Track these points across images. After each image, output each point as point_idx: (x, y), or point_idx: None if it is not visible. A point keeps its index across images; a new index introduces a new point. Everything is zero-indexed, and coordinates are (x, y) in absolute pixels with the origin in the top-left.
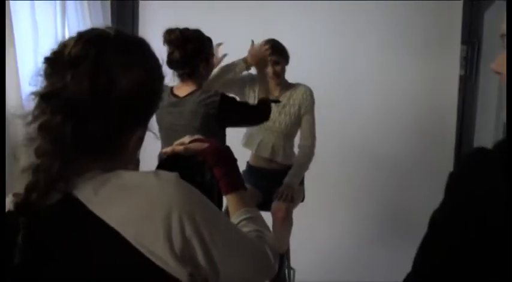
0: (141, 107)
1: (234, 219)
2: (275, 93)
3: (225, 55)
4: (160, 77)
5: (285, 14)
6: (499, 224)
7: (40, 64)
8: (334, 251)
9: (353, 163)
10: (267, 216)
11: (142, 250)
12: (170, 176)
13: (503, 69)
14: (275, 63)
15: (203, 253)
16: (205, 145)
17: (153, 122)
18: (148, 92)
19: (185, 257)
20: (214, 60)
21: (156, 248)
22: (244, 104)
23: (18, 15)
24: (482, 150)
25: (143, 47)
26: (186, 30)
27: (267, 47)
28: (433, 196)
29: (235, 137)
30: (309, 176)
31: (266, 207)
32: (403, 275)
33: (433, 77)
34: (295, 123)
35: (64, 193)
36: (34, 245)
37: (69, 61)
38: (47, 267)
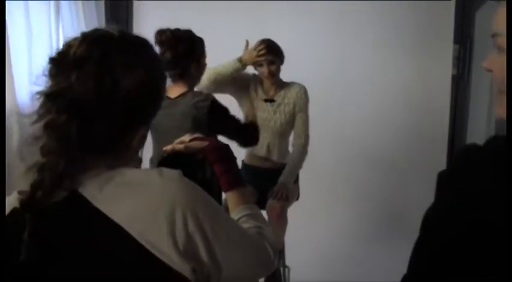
0: (144, 106)
1: (234, 215)
2: (270, 92)
3: None
4: (163, 76)
5: (281, 14)
6: (491, 221)
7: (33, 64)
8: (330, 250)
9: (349, 162)
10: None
11: (147, 246)
12: (173, 174)
13: (494, 67)
14: (270, 62)
15: (205, 249)
16: (205, 143)
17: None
18: (151, 91)
19: (188, 252)
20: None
21: (160, 244)
22: (234, 120)
23: (12, 15)
24: (473, 146)
25: (146, 47)
26: (178, 30)
27: (262, 46)
28: (428, 195)
29: None
30: (305, 175)
31: (261, 205)
32: (400, 275)
33: (427, 76)
34: (290, 122)
35: (69, 190)
36: (40, 242)
37: (74, 61)
38: (52, 264)
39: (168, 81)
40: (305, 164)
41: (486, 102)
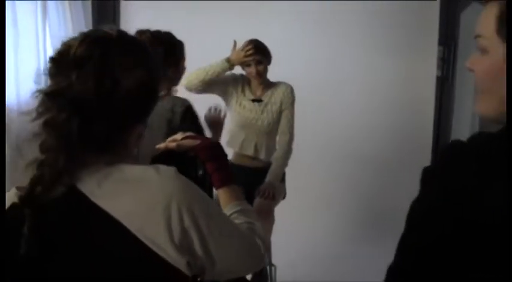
0: (142, 105)
1: (226, 211)
2: (257, 92)
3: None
4: (159, 76)
5: (269, 14)
6: (475, 219)
7: (20, 63)
8: (317, 249)
9: (338, 162)
10: None
11: (145, 240)
12: (169, 170)
13: (476, 67)
14: (258, 62)
15: (200, 243)
16: (198, 142)
17: None
18: (149, 91)
19: (184, 246)
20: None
21: (157, 238)
22: (198, 131)
23: None
24: (457, 143)
25: (144, 47)
26: (158, 32)
27: (249, 47)
28: (415, 195)
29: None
30: (293, 175)
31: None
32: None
33: (414, 77)
34: (277, 121)
35: (68, 186)
36: (39, 236)
37: (74, 61)
38: (51, 258)
39: None
40: (293, 164)
41: (470, 102)
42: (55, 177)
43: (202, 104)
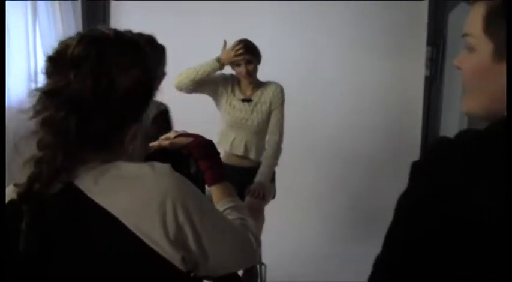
0: (138, 104)
1: (219, 208)
2: (247, 92)
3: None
4: (155, 75)
5: (256, 14)
6: (462, 216)
7: (10, 63)
8: (306, 248)
9: (326, 162)
10: None
11: (141, 236)
12: (164, 167)
13: (463, 65)
14: (248, 62)
15: (194, 239)
16: (190, 140)
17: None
18: (145, 90)
19: (178, 242)
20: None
21: (153, 234)
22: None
23: None
24: (445, 139)
25: (140, 47)
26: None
27: (239, 46)
28: None
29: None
30: (282, 174)
31: None
32: None
33: (402, 77)
34: (267, 121)
35: (66, 183)
36: (37, 232)
37: (71, 60)
38: (50, 253)
39: None
40: (282, 163)
41: (458, 102)
42: (53, 174)
43: (194, 104)
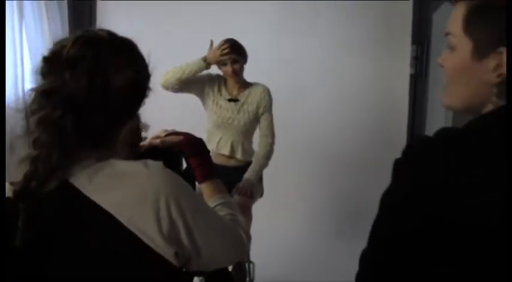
0: (132, 103)
1: (210, 204)
2: (234, 92)
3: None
4: (148, 75)
5: (241, 15)
6: (442, 214)
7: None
8: (293, 246)
9: (311, 161)
10: None
11: (135, 232)
12: (157, 165)
13: (446, 63)
14: (234, 61)
15: (186, 233)
16: (181, 138)
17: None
18: (138, 89)
19: (171, 237)
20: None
21: (147, 229)
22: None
23: None
24: (424, 138)
25: (133, 48)
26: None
27: (225, 46)
28: None
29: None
30: (268, 173)
31: None
32: None
33: (385, 76)
34: (254, 121)
35: (61, 181)
36: (33, 229)
37: (67, 61)
38: (46, 250)
39: None
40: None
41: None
42: (49, 172)
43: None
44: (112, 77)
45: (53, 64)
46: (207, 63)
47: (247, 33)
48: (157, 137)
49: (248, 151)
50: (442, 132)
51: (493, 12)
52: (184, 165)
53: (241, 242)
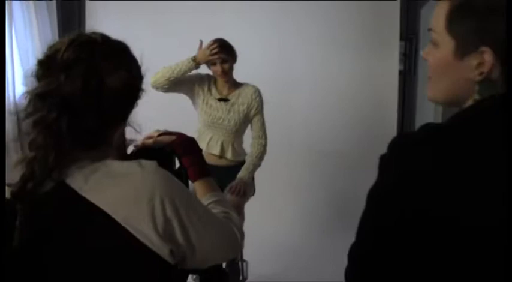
0: (126, 104)
1: (203, 202)
2: (224, 91)
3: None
4: (141, 76)
5: (224, 12)
6: (427, 208)
7: None
8: (284, 242)
9: (301, 158)
10: None
11: (131, 230)
12: (152, 165)
13: (429, 57)
14: (223, 61)
15: (181, 231)
16: (173, 138)
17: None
18: (132, 90)
19: (166, 234)
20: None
21: (142, 227)
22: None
23: None
24: (408, 133)
25: (126, 50)
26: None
27: (215, 45)
28: None
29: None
30: (259, 171)
31: None
32: None
33: (374, 73)
34: (244, 121)
35: (57, 182)
36: (31, 229)
37: (62, 64)
38: (44, 249)
39: None
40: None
41: None
42: (45, 173)
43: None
44: (106, 79)
45: (48, 67)
46: (196, 63)
47: (238, 33)
48: (150, 137)
49: (238, 151)
50: (425, 126)
51: (476, 11)
52: (177, 164)
53: (235, 239)
